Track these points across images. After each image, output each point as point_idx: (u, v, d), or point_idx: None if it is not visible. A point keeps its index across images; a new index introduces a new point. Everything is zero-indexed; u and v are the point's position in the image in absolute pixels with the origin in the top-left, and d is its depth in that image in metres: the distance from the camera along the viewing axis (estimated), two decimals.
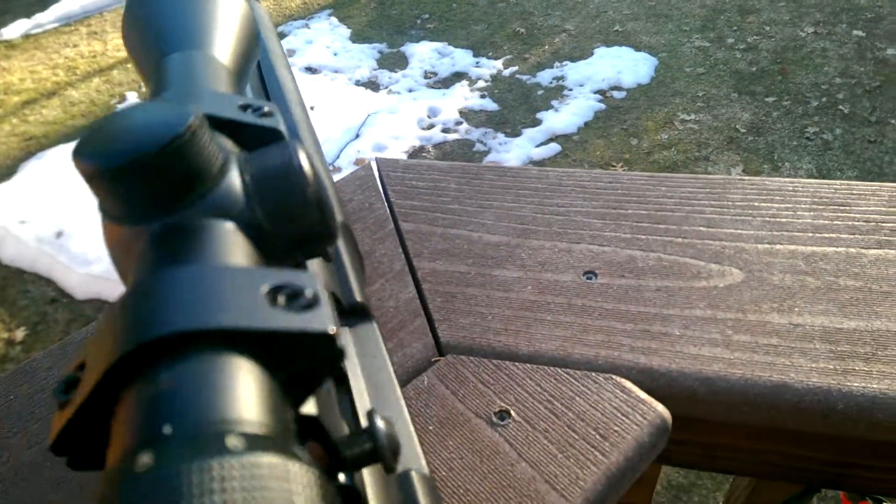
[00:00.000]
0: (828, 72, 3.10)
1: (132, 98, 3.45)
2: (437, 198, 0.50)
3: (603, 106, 3.02)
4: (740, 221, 0.42)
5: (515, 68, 3.40)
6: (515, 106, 3.11)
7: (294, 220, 0.19)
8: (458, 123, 3.02)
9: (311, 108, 3.12)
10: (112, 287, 2.33)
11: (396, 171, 0.53)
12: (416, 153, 2.84)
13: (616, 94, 3.10)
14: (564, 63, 3.38)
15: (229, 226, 0.18)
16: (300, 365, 0.15)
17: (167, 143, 0.17)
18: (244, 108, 0.22)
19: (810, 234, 0.40)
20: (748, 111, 2.90)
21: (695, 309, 0.36)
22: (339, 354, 0.15)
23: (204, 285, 0.15)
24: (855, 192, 0.43)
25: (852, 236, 0.40)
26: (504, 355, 0.36)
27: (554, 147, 2.79)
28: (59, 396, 0.14)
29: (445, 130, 2.97)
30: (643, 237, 0.42)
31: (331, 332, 0.15)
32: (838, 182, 0.43)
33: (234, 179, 0.19)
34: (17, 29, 4.34)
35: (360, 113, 3.09)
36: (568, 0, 4.02)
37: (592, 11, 3.86)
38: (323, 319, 0.15)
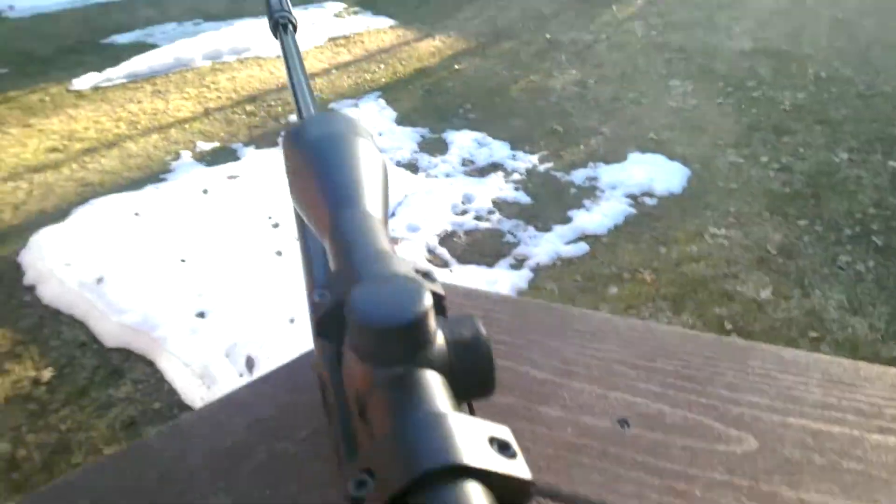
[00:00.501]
0: (862, 200, 3.10)
1: (186, 157, 3.64)
2: (489, 327, 0.56)
3: (634, 211, 3.09)
4: (758, 390, 0.47)
5: (550, 164, 3.52)
6: (548, 201, 3.21)
7: (475, 374, 0.26)
8: (491, 212, 3.12)
9: None
10: (139, 338, 2.39)
11: (457, 297, 0.60)
12: (447, 237, 2.93)
13: (648, 200, 3.18)
14: (598, 164, 3.49)
15: (440, 377, 0.24)
16: (503, 499, 0.20)
17: (421, 314, 0.24)
18: (415, 269, 0.29)
19: (819, 411, 0.45)
20: (780, 232, 2.90)
21: (714, 472, 0.41)
22: (530, 496, 0.21)
23: (456, 429, 0.21)
24: (862, 374, 0.48)
25: (856, 418, 0.45)
26: (546, 492, 0.42)
27: (583, 246, 2.84)
28: (354, 493, 0.20)
29: (478, 218, 3.07)
30: (671, 393, 0.48)
31: (531, 480, 0.20)
32: (847, 361, 0.49)
33: (442, 340, 0.25)
34: (88, 81, 4.64)
35: (398, 193, 3.22)
36: (605, 104, 4.20)
37: (628, 117, 4.01)
38: (525, 469, 0.21)
